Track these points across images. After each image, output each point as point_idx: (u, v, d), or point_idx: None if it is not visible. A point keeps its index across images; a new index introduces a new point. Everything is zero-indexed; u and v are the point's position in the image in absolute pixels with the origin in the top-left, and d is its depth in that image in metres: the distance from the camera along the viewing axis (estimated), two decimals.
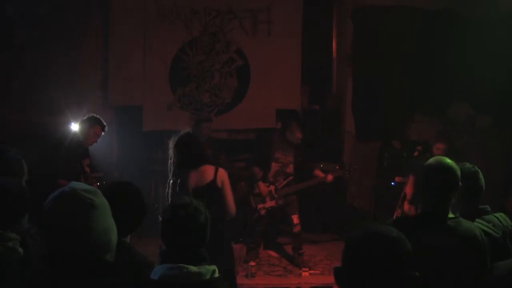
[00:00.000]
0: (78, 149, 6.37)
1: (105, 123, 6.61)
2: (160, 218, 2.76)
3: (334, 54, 9.51)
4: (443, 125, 8.70)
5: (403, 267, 1.92)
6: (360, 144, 9.19)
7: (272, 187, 7.42)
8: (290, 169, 7.48)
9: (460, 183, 3.13)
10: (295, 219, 7.39)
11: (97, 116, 6.61)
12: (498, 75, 8.17)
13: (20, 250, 2.91)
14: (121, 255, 2.34)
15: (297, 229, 7.41)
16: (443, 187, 3.11)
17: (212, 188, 4.91)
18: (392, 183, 7.80)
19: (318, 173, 7.46)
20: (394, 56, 8.77)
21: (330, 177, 7.34)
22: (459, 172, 3.14)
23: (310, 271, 7.18)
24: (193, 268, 2.59)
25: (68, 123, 6.92)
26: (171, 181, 5.09)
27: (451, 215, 3.12)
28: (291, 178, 7.46)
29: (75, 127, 6.63)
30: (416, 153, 7.27)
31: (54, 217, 2.08)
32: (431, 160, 3.25)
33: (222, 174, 4.98)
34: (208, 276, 2.61)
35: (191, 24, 9.15)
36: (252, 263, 7.09)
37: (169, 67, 9.13)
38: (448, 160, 3.19)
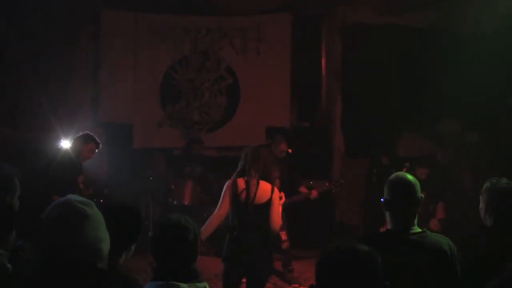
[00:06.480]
0: (73, 165, 6.39)
1: (99, 141, 6.64)
2: (150, 234, 2.78)
3: (323, 72, 9.58)
4: (431, 142, 8.79)
5: (377, 279, 1.96)
6: (349, 161, 9.24)
7: None
8: (276, 184, 7.46)
9: (421, 197, 3.14)
10: (283, 235, 7.29)
11: (91, 133, 6.66)
12: (486, 91, 8.24)
13: (9, 266, 2.89)
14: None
15: (285, 245, 7.37)
16: (402, 202, 3.13)
17: (268, 206, 4.95)
18: (381, 199, 7.82)
19: (303, 189, 7.46)
20: (382, 73, 8.84)
21: (314, 193, 7.31)
22: (418, 187, 3.15)
23: (300, 287, 7.19)
24: (183, 286, 2.56)
25: (58, 139, 6.93)
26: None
27: (417, 229, 3.12)
28: None
29: (66, 143, 6.65)
30: (404, 170, 7.29)
31: (50, 223, 2.29)
32: (391, 177, 3.27)
33: (276, 194, 5.03)
34: None
35: (181, 42, 9.22)
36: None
37: (159, 84, 9.18)
38: (408, 175, 3.22)
